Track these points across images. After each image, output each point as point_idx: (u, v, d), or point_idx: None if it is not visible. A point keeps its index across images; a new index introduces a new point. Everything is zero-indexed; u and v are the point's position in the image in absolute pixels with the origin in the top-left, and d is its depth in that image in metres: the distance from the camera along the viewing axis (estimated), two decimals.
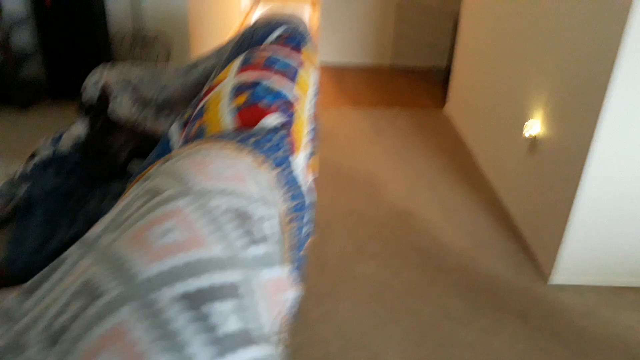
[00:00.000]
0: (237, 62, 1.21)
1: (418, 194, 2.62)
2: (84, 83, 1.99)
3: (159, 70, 1.99)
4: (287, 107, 1.00)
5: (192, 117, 1.12)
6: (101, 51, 3.39)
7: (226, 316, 0.54)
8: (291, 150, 0.89)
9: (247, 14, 6.80)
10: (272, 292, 0.63)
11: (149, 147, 1.65)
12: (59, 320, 0.56)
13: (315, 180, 0.94)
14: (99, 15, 3.35)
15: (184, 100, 1.88)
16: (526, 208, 2.30)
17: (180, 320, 0.51)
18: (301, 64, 1.27)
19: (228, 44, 1.79)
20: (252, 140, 0.80)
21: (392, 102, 3.92)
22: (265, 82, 1.05)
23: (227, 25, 5.26)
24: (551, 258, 2.04)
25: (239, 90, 1.02)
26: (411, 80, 4.49)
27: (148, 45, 3.60)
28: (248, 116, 0.93)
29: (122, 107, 1.91)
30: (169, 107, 1.92)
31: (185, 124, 1.16)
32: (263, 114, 0.92)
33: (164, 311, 0.52)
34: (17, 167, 1.90)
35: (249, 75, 1.09)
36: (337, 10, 4.63)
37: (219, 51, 1.80)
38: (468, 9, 3.32)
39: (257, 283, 0.60)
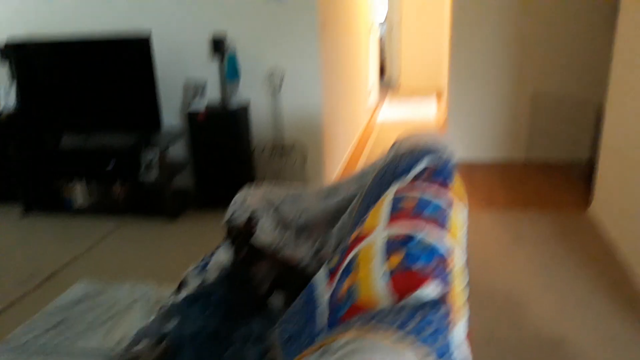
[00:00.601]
0: (385, 207, 1.20)
1: (567, 316, 2.35)
2: (230, 205, 2.13)
3: (300, 191, 2.07)
4: (444, 267, 0.96)
5: (341, 267, 1.11)
6: (245, 161, 3.66)
7: None
8: (452, 325, 0.83)
9: (374, 111, 7.04)
10: None
11: (289, 278, 1.68)
12: None
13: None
14: (244, 128, 3.66)
15: (324, 224, 1.92)
16: None
17: None
18: (451, 203, 1.23)
19: (370, 170, 1.81)
20: (412, 325, 0.76)
21: (529, 203, 3.69)
22: (418, 236, 1.02)
23: (355, 124, 5.47)
24: None
25: (391, 247, 1.00)
26: (548, 176, 4.22)
27: (286, 153, 3.83)
28: (403, 283, 0.90)
29: (265, 231, 1.99)
30: (308, 230, 1.97)
31: (332, 273, 1.16)
32: (419, 282, 0.89)
33: None
34: (167, 290, 2.03)
35: (401, 227, 1.07)
36: (466, 103, 4.60)
37: (361, 178, 1.83)
38: (615, 98, 3.10)
39: None
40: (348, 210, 1.78)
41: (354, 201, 1.73)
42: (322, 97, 3.66)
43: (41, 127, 3.80)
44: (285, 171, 3.88)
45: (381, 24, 9.79)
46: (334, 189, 1.95)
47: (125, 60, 3.49)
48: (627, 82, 2.91)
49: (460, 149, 4.73)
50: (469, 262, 2.87)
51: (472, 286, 2.64)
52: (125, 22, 3.75)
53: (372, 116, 6.82)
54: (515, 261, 2.87)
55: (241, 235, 1.71)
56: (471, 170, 4.47)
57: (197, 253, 3.15)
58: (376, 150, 5.25)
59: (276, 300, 1.65)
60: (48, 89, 3.68)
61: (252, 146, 3.82)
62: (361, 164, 4.83)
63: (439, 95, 7.92)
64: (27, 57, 3.63)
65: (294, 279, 1.74)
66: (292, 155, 3.83)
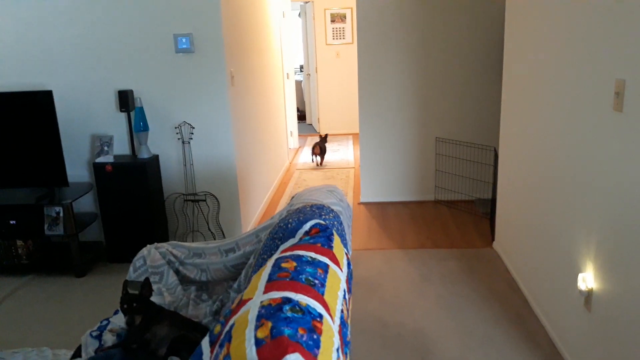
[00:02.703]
0: (267, 270, 1.24)
1: (472, 353, 2.46)
2: (131, 265, 2.09)
3: (200, 249, 2.07)
4: (315, 331, 1.00)
5: (222, 335, 1.12)
6: (156, 213, 3.59)
7: None
8: None
9: (295, 154, 7.16)
10: None
11: (190, 337, 1.66)
12: None
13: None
14: (155, 179, 3.61)
15: (224, 281, 1.92)
16: None
17: None
18: (329, 265, 1.29)
19: (267, 225, 1.85)
20: None
21: (439, 241, 3.87)
22: (293, 300, 1.06)
23: (274, 169, 5.52)
24: None
25: (264, 314, 1.03)
26: (456, 214, 4.46)
27: (199, 203, 3.80)
28: (270, 352, 0.92)
29: (168, 288, 1.97)
30: (209, 288, 1.96)
31: (214, 341, 1.16)
32: (284, 350, 0.92)
33: None
34: (64, 356, 1.94)
35: (277, 292, 1.10)
36: (376, 147, 4.79)
37: (258, 233, 1.86)
38: (505, 143, 3.36)
39: None
40: (244, 270, 1.79)
41: (250, 260, 1.76)
42: (234, 146, 3.70)
43: None
44: (198, 222, 3.84)
45: (298, 69, 10.06)
46: (234, 244, 1.96)
47: (28, 115, 3.38)
48: (514, 127, 3.17)
49: (374, 191, 4.90)
50: (381, 302, 2.92)
51: (383, 326, 2.71)
52: (29, 80, 3.64)
53: (293, 159, 6.92)
54: (425, 300, 2.98)
55: (137, 299, 1.67)
56: (384, 211, 4.63)
57: (104, 309, 3.03)
58: (295, 190, 5.31)
59: None
60: None
61: (163, 197, 3.76)
62: (281, 207, 4.87)
63: (355, 139, 8.19)
64: None
65: (194, 339, 1.72)
66: (206, 206, 3.80)
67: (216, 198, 3.78)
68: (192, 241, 3.81)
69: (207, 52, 3.51)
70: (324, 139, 6.59)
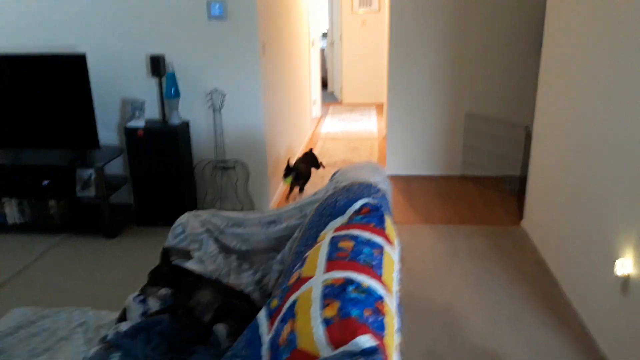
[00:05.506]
0: (324, 249, 1.24)
1: (502, 331, 2.49)
2: (171, 231, 2.11)
3: (242, 217, 2.08)
4: (379, 312, 1.01)
5: (281, 310, 1.14)
6: (185, 178, 3.62)
7: None
8: None
9: (318, 123, 7.12)
10: None
11: (234, 305, 1.69)
12: None
13: None
14: (185, 145, 3.62)
15: (265, 252, 1.94)
16: (626, 354, 2.11)
17: None
18: (384, 246, 1.29)
19: (310, 201, 1.85)
20: None
21: (466, 218, 3.86)
22: (355, 281, 1.07)
23: (299, 138, 5.51)
24: None
25: (328, 294, 1.04)
26: (483, 191, 4.43)
27: (228, 171, 3.81)
28: (339, 332, 0.94)
29: (209, 257, 1.99)
30: (250, 258, 1.98)
31: (272, 315, 1.18)
32: (355, 331, 0.93)
33: None
34: (106, 316, 1.99)
35: (338, 272, 1.11)
36: (404, 120, 4.74)
37: (301, 208, 1.86)
38: (541, 121, 3.31)
39: None
40: (289, 243, 1.81)
41: (295, 234, 1.77)
42: (263, 115, 3.68)
43: None
44: (227, 189, 3.86)
45: (323, 35, 9.92)
46: (276, 217, 1.97)
47: (61, 77, 3.38)
48: (551, 106, 3.11)
49: (400, 164, 4.88)
50: (409, 276, 2.95)
51: (412, 300, 2.74)
52: (61, 42, 3.64)
53: (316, 128, 6.89)
54: (454, 276, 3.00)
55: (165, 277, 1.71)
56: (410, 185, 4.62)
57: (136, 272, 3.09)
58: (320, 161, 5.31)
59: (220, 329, 1.65)
60: None
61: (193, 164, 3.78)
62: None
63: (379, 109, 8.11)
64: None
65: (239, 307, 1.76)
66: (235, 173, 3.82)
67: (246, 166, 3.78)
68: (220, 208, 3.84)
69: (240, 20, 3.46)
70: (308, 159, 4.37)
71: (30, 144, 3.56)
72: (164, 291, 1.81)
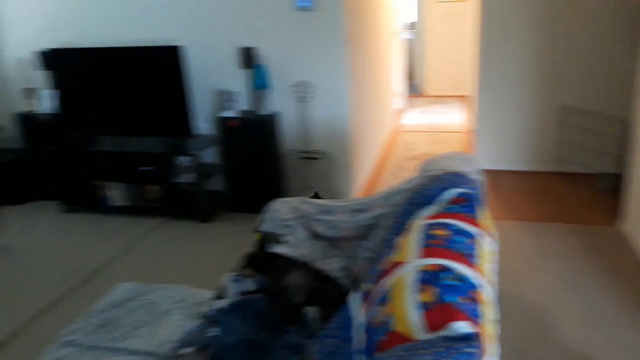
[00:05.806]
0: (417, 235, 1.26)
1: (598, 334, 2.37)
2: (262, 213, 2.20)
3: (329, 204, 2.14)
4: (475, 300, 1.01)
5: (375, 293, 1.17)
6: (274, 167, 3.74)
7: None
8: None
9: (400, 115, 7.07)
10: None
11: (323, 289, 1.75)
12: None
13: None
14: (274, 135, 3.74)
15: (351, 240, 1.98)
16: None
17: None
18: (480, 236, 1.28)
19: (397, 190, 1.87)
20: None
21: (557, 215, 3.69)
22: (451, 268, 1.08)
23: (381, 129, 5.50)
24: None
25: (424, 279, 1.06)
26: (575, 188, 4.20)
27: (313, 161, 3.90)
28: (437, 317, 0.96)
29: (299, 242, 2.07)
30: (337, 244, 2.03)
31: (366, 297, 1.22)
32: (452, 316, 0.94)
33: None
34: (204, 294, 2.12)
35: (433, 259, 1.13)
36: (494, 111, 4.60)
37: (388, 197, 1.88)
38: None
39: None
40: (377, 230, 1.83)
41: (384, 221, 1.79)
42: (348, 106, 3.72)
43: (78, 130, 3.95)
44: (312, 179, 3.95)
45: (409, 26, 9.78)
46: (363, 205, 2.00)
47: (157, 68, 3.61)
48: None
49: (488, 157, 4.74)
50: (500, 272, 2.89)
51: (502, 298, 2.68)
52: (161, 36, 3.88)
53: (397, 120, 6.84)
54: (544, 275, 2.89)
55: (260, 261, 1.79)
56: (498, 179, 4.47)
57: (229, 254, 3.27)
58: (402, 154, 5.28)
59: (311, 310, 1.72)
60: (85, 94, 3.82)
61: (281, 153, 3.90)
62: (388, 170, 4.88)
63: (463, 102, 7.89)
64: (67, 63, 3.78)
65: (328, 291, 1.81)
66: (320, 163, 3.89)
67: (331, 157, 3.85)
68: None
69: (326, 10, 3.51)
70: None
71: (131, 131, 3.84)
72: (256, 273, 1.90)
